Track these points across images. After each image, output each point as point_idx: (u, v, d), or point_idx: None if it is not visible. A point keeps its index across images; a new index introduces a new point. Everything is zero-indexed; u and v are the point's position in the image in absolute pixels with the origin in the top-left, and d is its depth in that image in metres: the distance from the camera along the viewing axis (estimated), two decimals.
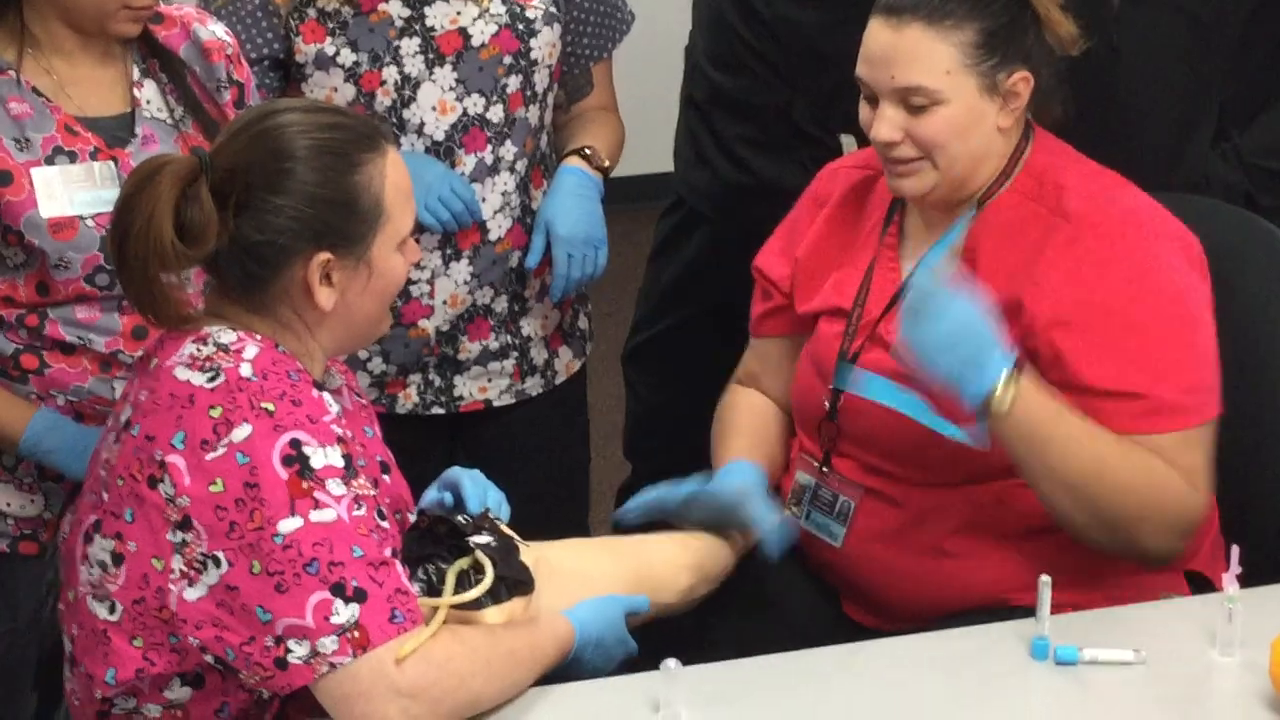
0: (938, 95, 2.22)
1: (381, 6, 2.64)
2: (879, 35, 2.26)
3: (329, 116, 2.02)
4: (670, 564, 2.24)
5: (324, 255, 1.92)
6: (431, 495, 2.19)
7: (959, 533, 2.29)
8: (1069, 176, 2.32)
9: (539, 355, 2.85)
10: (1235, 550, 2.04)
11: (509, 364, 2.82)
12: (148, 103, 2.38)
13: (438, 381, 2.79)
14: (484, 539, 1.98)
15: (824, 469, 2.40)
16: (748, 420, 2.54)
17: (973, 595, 2.24)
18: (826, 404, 2.38)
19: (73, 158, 2.31)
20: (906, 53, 2.23)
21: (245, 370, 1.85)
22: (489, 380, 2.81)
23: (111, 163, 2.31)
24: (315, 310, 1.95)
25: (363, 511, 1.84)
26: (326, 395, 1.93)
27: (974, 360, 2.09)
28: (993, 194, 2.32)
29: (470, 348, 2.78)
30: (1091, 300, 2.22)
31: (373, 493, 1.89)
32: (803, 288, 2.47)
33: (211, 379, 1.85)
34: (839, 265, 2.45)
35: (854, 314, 2.38)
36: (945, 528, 2.30)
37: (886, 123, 2.25)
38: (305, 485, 1.81)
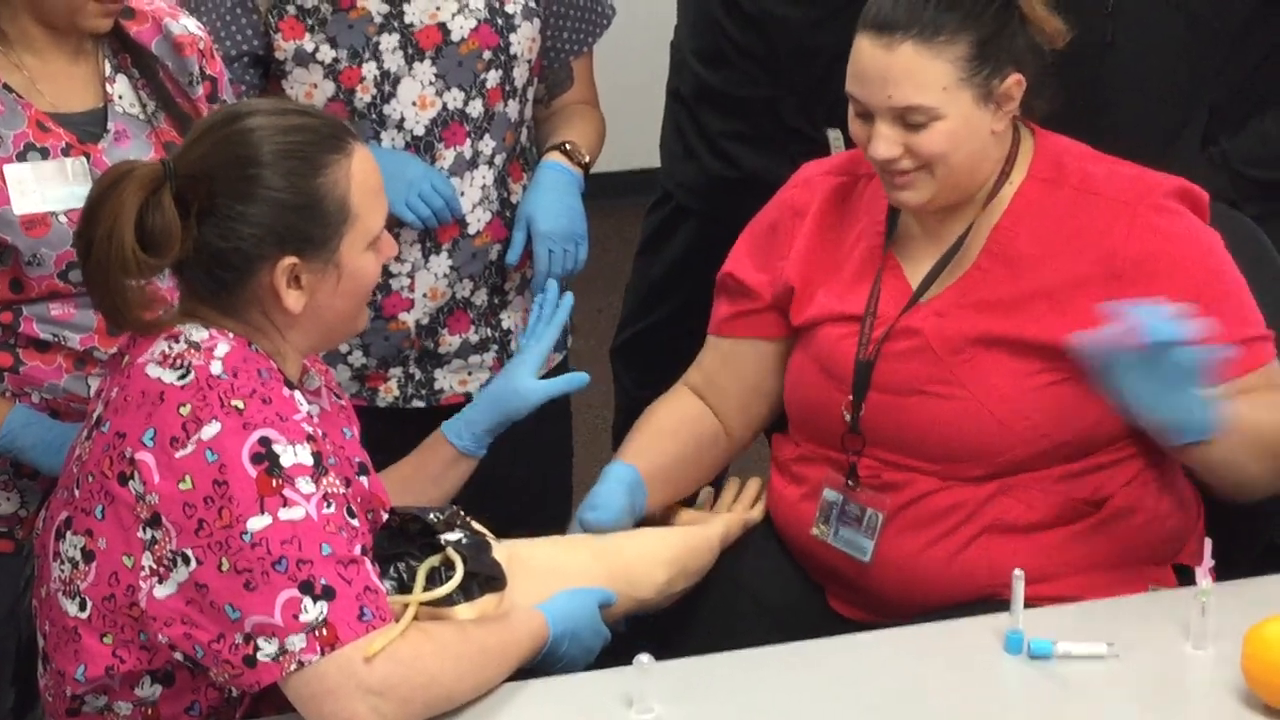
0: (936, 112, 2.23)
1: (360, 3, 2.65)
2: (871, 55, 2.25)
3: (294, 119, 2.02)
4: (648, 559, 2.26)
5: (290, 259, 1.93)
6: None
7: (971, 529, 2.30)
8: (1085, 159, 2.36)
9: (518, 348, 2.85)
10: (1208, 544, 2.06)
11: (489, 357, 2.84)
12: (120, 98, 2.39)
13: (418, 375, 2.81)
14: (455, 536, 1.99)
15: (850, 483, 2.38)
16: (655, 429, 2.55)
17: (974, 588, 2.24)
18: (847, 416, 2.37)
19: (45, 154, 2.31)
20: (901, 72, 2.23)
21: (216, 368, 1.86)
22: (469, 373, 2.83)
23: (84, 159, 2.32)
24: (285, 313, 1.96)
25: (332, 509, 1.86)
26: (298, 394, 1.94)
27: (1194, 411, 2.12)
28: (997, 191, 2.33)
29: (450, 341, 2.80)
30: (1169, 263, 2.26)
31: (343, 491, 1.90)
32: (797, 298, 2.47)
33: (182, 376, 1.86)
34: (832, 272, 2.45)
35: (866, 321, 2.37)
36: (961, 525, 2.30)
37: (884, 141, 2.25)
38: (274, 483, 1.82)
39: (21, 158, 2.30)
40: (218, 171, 1.93)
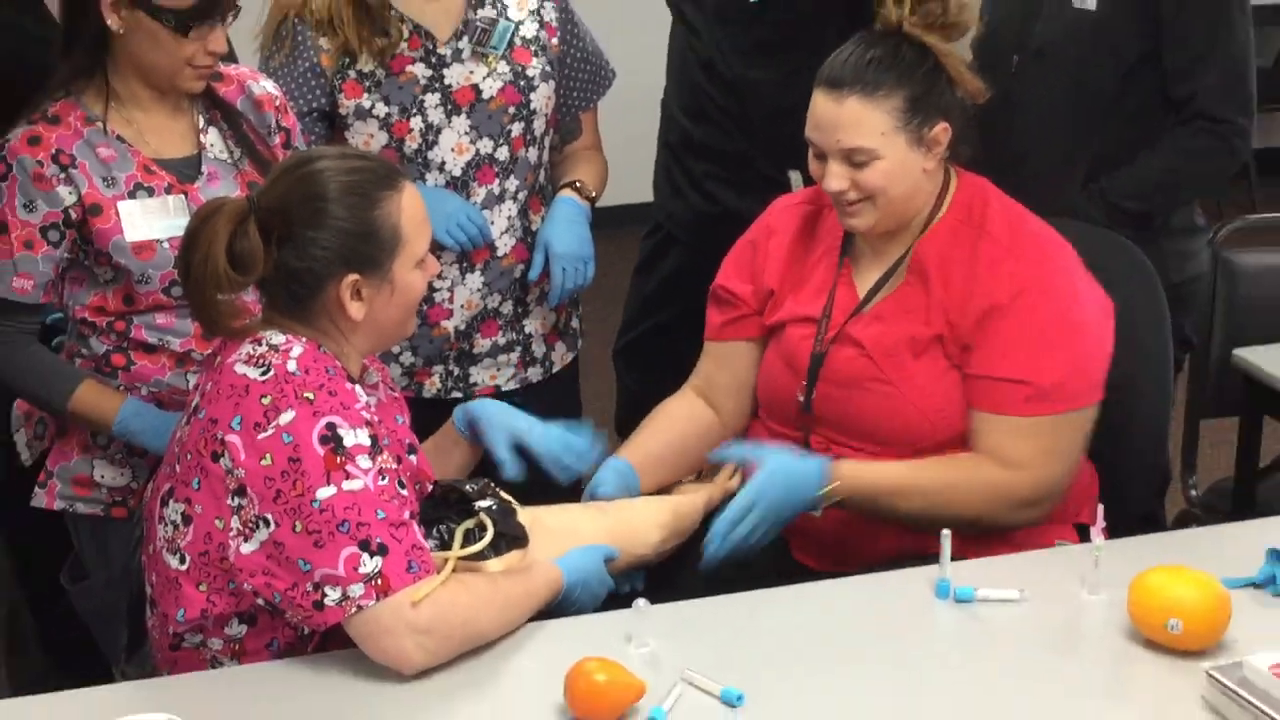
0: (876, 153, 2.25)
1: (409, 69, 2.66)
2: (824, 106, 2.28)
3: (354, 162, 2.02)
4: (645, 523, 2.26)
5: (353, 276, 1.94)
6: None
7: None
8: (990, 206, 2.34)
9: (539, 349, 2.87)
10: (1100, 508, 2.07)
11: (514, 356, 2.84)
12: (211, 146, 2.40)
13: (456, 371, 2.81)
14: (487, 503, 2.01)
15: (805, 448, 2.39)
16: (656, 427, 2.54)
17: (906, 544, 2.26)
18: (801, 398, 2.39)
19: (150, 192, 2.32)
20: (848, 120, 2.25)
21: (291, 366, 1.88)
22: (498, 369, 2.83)
23: (182, 196, 2.33)
24: (348, 320, 1.97)
25: (385, 482, 1.87)
26: (358, 388, 1.95)
27: (800, 503, 2.21)
28: (930, 222, 2.33)
29: (483, 343, 2.80)
30: (1010, 306, 2.25)
31: (394, 467, 1.91)
32: (775, 301, 2.48)
33: (264, 373, 1.88)
34: (800, 283, 2.46)
35: (822, 323, 2.39)
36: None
37: (835, 177, 2.28)
38: (338, 460, 1.84)
39: (131, 195, 2.31)
40: (293, 206, 1.94)
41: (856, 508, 2.27)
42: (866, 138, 2.25)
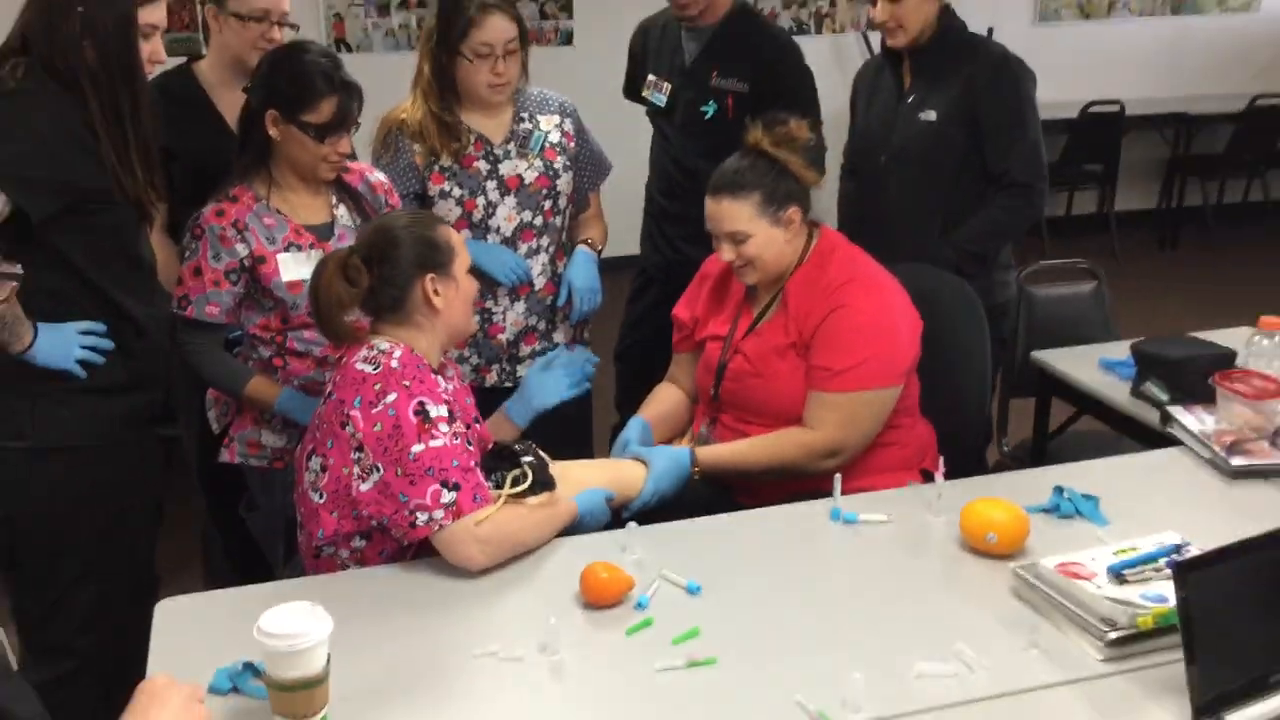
0: (746, 234, 2.25)
1: (474, 164, 2.65)
2: (710, 205, 2.30)
3: (410, 212, 2.11)
4: (633, 476, 2.23)
5: (430, 275, 1.94)
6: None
7: None
8: (836, 258, 2.33)
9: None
10: (941, 459, 2.07)
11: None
12: (340, 216, 2.39)
13: (508, 368, 2.79)
14: (529, 458, 2.00)
15: (712, 424, 2.40)
16: (657, 400, 2.54)
17: (808, 485, 2.21)
18: (712, 390, 2.39)
19: (299, 248, 2.32)
20: (725, 214, 2.26)
21: (394, 363, 1.88)
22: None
23: (321, 251, 2.32)
24: (433, 311, 1.96)
25: (458, 441, 1.87)
26: (439, 378, 1.94)
27: (679, 481, 2.21)
28: (793, 272, 2.32)
29: (525, 349, 2.78)
30: (830, 317, 2.25)
31: (464, 431, 1.92)
32: (700, 325, 2.48)
33: (375, 368, 1.88)
34: (717, 312, 2.46)
35: (727, 341, 2.38)
36: None
37: (725, 251, 2.30)
38: (426, 426, 1.84)
39: (286, 250, 2.31)
40: (379, 241, 1.97)
41: (719, 474, 2.27)
42: (738, 224, 2.25)
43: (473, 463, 1.89)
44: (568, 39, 6.19)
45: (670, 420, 2.49)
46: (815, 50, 3.31)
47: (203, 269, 2.29)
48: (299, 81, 2.22)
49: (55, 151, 1.98)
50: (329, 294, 1.92)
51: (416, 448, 1.83)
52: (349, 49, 5.83)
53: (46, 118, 1.98)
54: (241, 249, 2.28)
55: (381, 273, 1.94)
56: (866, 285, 2.29)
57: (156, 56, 2.11)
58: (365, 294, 1.94)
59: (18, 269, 1.85)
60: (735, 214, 2.25)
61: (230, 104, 2.58)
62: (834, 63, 6.44)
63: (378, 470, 1.84)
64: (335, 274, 1.92)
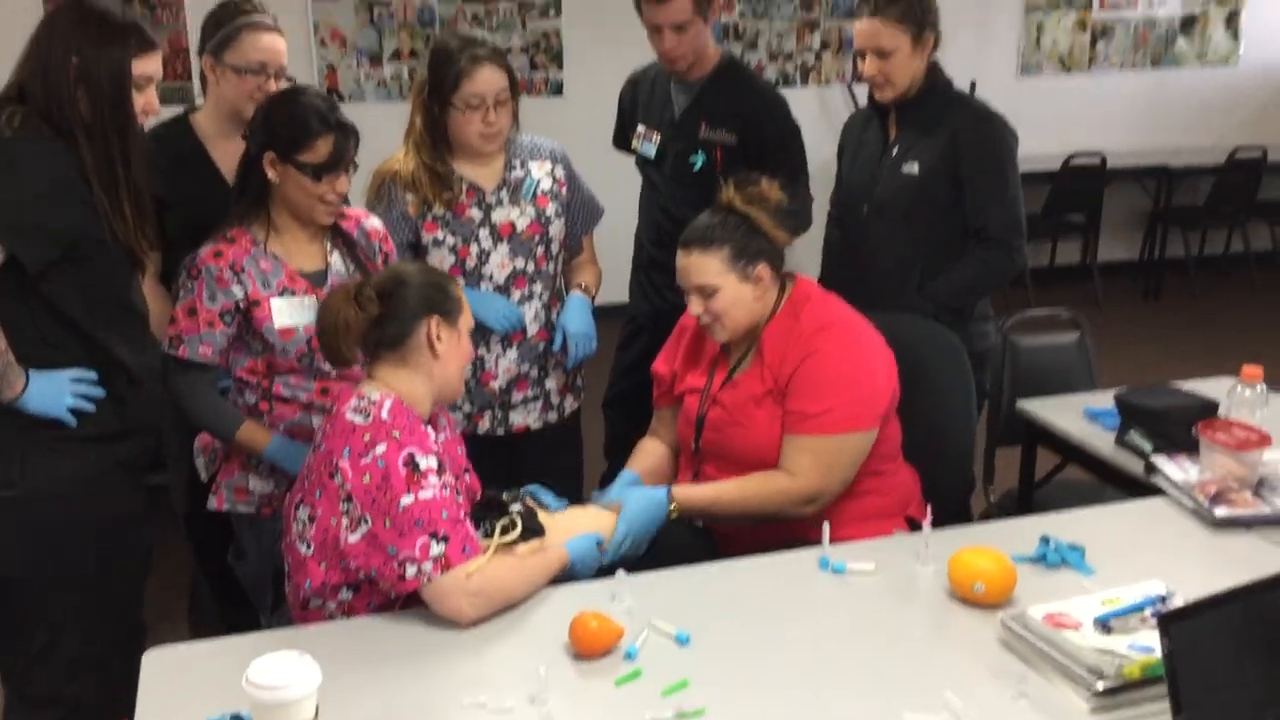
0: (714, 287, 2.28)
1: (467, 212, 2.67)
2: (681, 259, 2.32)
3: (429, 267, 2.15)
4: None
5: (436, 317, 1.95)
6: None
7: None
8: (809, 306, 2.34)
9: (556, 400, 2.85)
10: (928, 507, 2.07)
11: (538, 405, 2.82)
12: (334, 263, 2.40)
13: (500, 415, 2.78)
14: (517, 507, 2.00)
15: (696, 477, 2.40)
16: (641, 454, 2.53)
17: (796, 534, 2.22)
18: (694, 442, 2.40)
19: (293, 294, 2.33)
20: (695, 267, 2.29)
21: (384, 414, 1.88)
22: (528, 414, 2.81)
23: (314, 297, 2.33)
24: (432, 358, 1.96)
25: (447, 493, 1.87)
26: (430, 428, 1.93)
27: (653, 521, 2.20)
28: (766, 323, 2.34)
29: (517, 396, 2.78)
30: (804, 363, 2.26)
31: (453, 482, 1.91)
32: (678, 379, 2.49)
33: (365, 418, 1.88)
34: (694, 367, 2.47)
35: (705, 393, 2.39)
36: None
37: (694, 305, 2.32)
38: (415, 478, 1.83)
39: (280, 295, 2.31)
40: (389, 280, 1.98)
41: (696, 516, 2.27)
42: (706, 276, 2.27)
43: (462, 514, 1.88)
44: (557, 89, 6.25)
45: (656, 474, 2.49)
46: (801, 102, 3.35)
47: (197, 309, 2.29)
48: (295, 122, 2.24)
49: (51, 200, 1.99)
50: (337, 318, 1.93)
51: (405, 499, 1.82)
52: (341, 99, 5.87)
53: (42, 167, 1.99)
54: (237, 291, 2.29)
55: (390, 306, 1.96)
56: (840, 330, 2.30)
57: (151, 108, 2.13)
58: (371, 324, 1.95)
59: None
60: (704, 267, 2.27)
61: (225, 155, 2.60)
62: (820, 114, 6.51)
63: (366, 522, 1.83)
64: (346, 299, 1.94)
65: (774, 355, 2.30)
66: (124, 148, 2.06)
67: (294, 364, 2.34)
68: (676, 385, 2.49)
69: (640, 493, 2.25)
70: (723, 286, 2.27)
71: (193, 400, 2.34)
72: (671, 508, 2.24)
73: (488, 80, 2.56)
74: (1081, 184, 6.55)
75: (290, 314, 2.31)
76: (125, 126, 2.06)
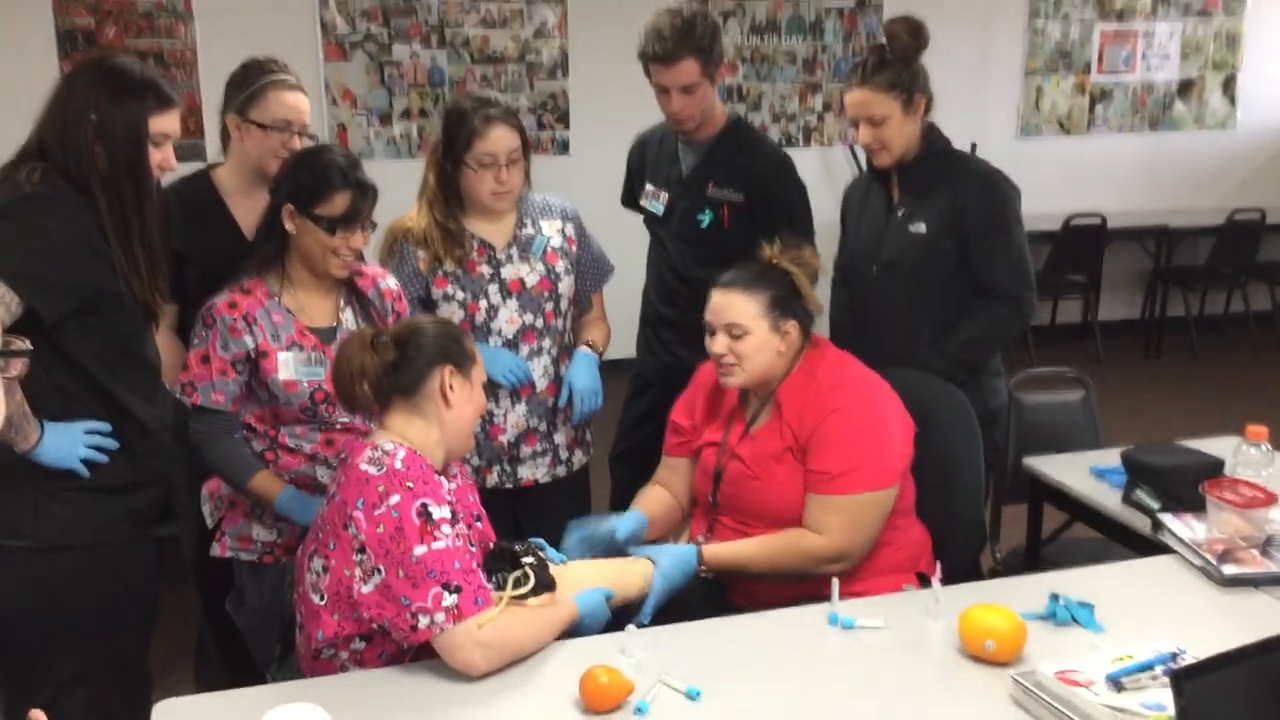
0: (745, 330, 2.30)
1: (478, 268, 2.69)
2: (716, 297, 2.35)
3: (445, 320, 2.17)
4: (636, 573, 2.21)
5: (449, 367, 1.96)
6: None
7: None
8: (825, 363, 2.36)
9: (564, 454, 2.85)
10: (938, 564, 2.07)
11: (547, 459, 2.82)
12: (345, 321, 2.43)
13: (509, 469, 2.78)
14: (529, 559, 1.99)
15: (711, 529, 2.40)
16: (646, 501, 2.52)
17: (806, 590, 2.22)
18: (711, 497, 2.41)
19: (301, 348, 2.35)
20: (732, 305, 2.32)
21: (397, 464, 1.88)
22: (536, 469, 2.81)
23: (323, 353, 2.36)
24: (445, 407, 1.98)
25: (460, 543, 1.87)
26: (442, 478, 1.94)
27: (685, 579, 2.21)
28: (783, 380, 2.35)
29: (526, 450, 2.78)
30: (824, 422, 2.27)
31: (466, 532, 1.91)
32: (697, 432, 2.49)
33: (379, 469, 1.88)
34: (711, 420, 2.48)
35: (723, 445, 2.40)
36: None
37: (718, 344, 2.33)
38: (428, 528, 1.84)
39: (288, 349, 2.34)
40: (405, 330, 2.01)
41: (724, 573, 2.27)
42: (741, 317, 2.30)
43: (475, 564, 1.88)
44: (564, 148, 6.33)
45: (660, 523, 2.49)
46: (804, 162, 3.38)
47: (210, 357, 2.33)
48: (316, 176, 2.31)
49: (68, 254, 2.02)
50: (352, 364, 1.95)
51: (419, 550, 1.82)
52: None
53: (61, 221, 2.02)
54: (249, 341, 2.32)
55: (405, 353, 1.97)
56: (858, 389, 2.32)
57: (167, 164, 2.16)
58: (385, 370, 1.97)
59: (27, 345, 1.86)
60: (741, 308, 2.30)
61: (245, 211, 2.64)
62: (823, 174, 6.57)
63: (379, 572, 1.83)
64: (362, 345, 1.96)
65: (792, 411, 2.32)
66: (140, 203, 2.09)
67: (298, 415, 2.36)
68: (695, 437, 2.50)
69: (672, 550, 2.26)
70: (753, 331, 2.29)
71: (211, 446, 2.37)
72: (701, 568, 2.24)
73: (500, 139, 2.60)
74: (1082, 244, 6.61)
75: (295, 368, 2.34)
76: (141, 182, 2.09)
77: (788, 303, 2.32)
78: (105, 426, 2.11)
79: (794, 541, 2.26)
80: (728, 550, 2.28)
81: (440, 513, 1.86)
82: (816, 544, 2.24)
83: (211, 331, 2.33)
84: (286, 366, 2.33)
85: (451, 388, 1.99)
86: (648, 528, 2.42)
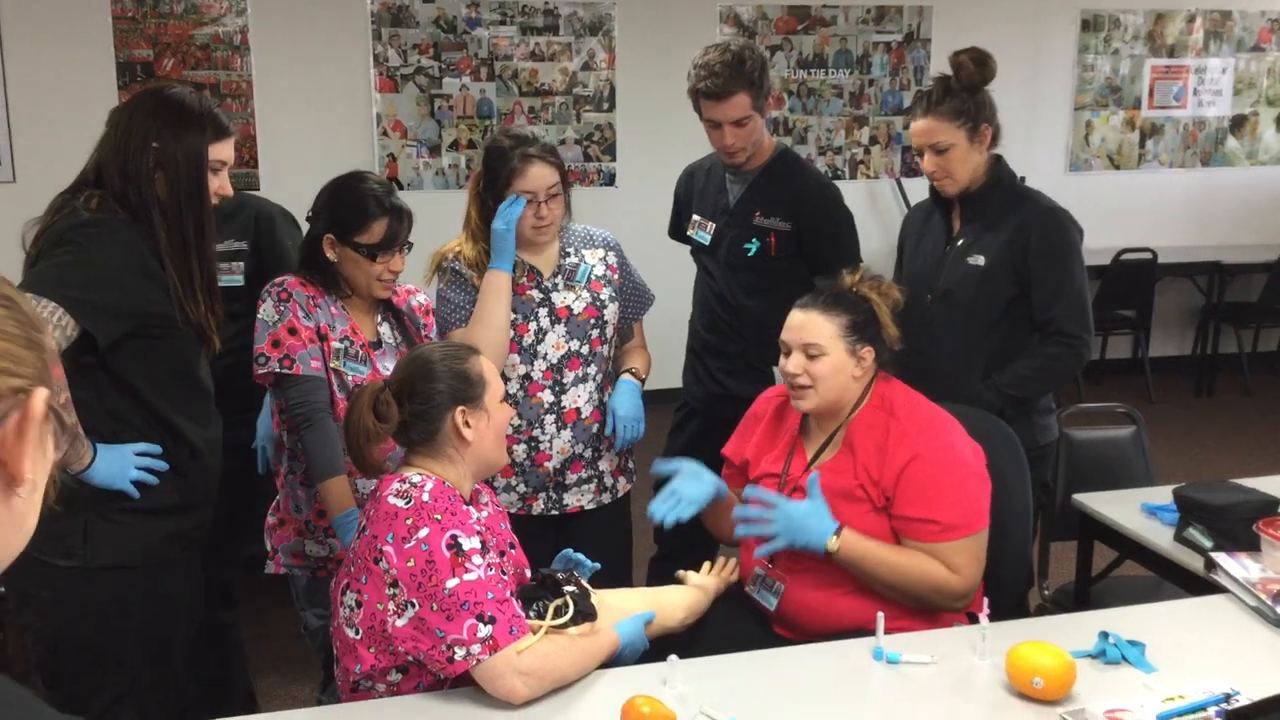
0: (823, 350, 2.26)
1: (528, 292, 2.70)
2: (796, 316, 2.32)
3: (445, 346, 2.09)
4: (674, 605, 2.21)
5: (461, 408, 1.96)
6: (558, 563, 2.20)
7: (839, 590, 2.25)
8: (898, 398, 2.33)
9: (609, 481, 2.84)
10: (985, 600, 2.03)
11: (592, 486, 2.81)
12: (385, 334, 2.53)
13: (554, 496, 2.78)
14: (570, 588, 1.99)
15: (772, 560, 2.34)
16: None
17: (846, 622, 2.20)
18: None
19: (351, 343, 2.48)
20: (812, 324, 2.28)
21: (425, 497, 1.87)
22: (582, 495, 2.80)
23: (368, 354, 2.49)
24: (464, 443, 1.97)
25: (492, 573, 1.86)
26: (471, 508, 1.94)
27: (808, 539, 2.17)
28: (854, 412, 2.32)
29: (572, 477, 2.78)
30: (909, 467, 2.22)
31: (498, 561, 1.91)
32: (753, 463, 2.47)
33: (407, 502, 1.87)
34: (770, 449, 2.45)
35: (783, 477, 2.37)
36: (833, 588, 2.25)
37: (793, 363, 2.29)
38: (459, 560, 1.83)
39: (340, 341, 2.47)
40: (413, 375, 2.00)
41: (843, 563, 2.20)
42: (819, 337, 2.27)
43: (508, 593, 1.88)
44: (610, 179, 6.36)
45: (715, 511, 2.43)
46: (850, 195, 3.37)
47: (298, 328, 2.41)
48: (353, 206, 2.40)
49: (124, 279, 2.05)
50: (359, 427, 1.97)
51: (451, 582, 1.81)
52: (401, 186, 6.01)
53: (117, 246, 2.05)
54: (321, 317, 2.44)
55: (414, 408, 1.98)
56: (937, 430, 2.28)
57: (223, 190, 2.20)
58: (397, 428, 1.98)
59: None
60: (820, 328, 2.28)
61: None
62: (869, 207, 6.56)
63: (413, 606, 1.82)
64: (366, 408, 1.97)
65: (866, 451, 2.28)
66: (199, 229, 2.13)
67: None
68: (750, 470, 2.47)
69: (808, 507, 2.20)
70: (830, 352, 2.28)
71: (310, 426, 2.39)
72: (832, 539, 2.18)
73: (539, 176, 2.62)
74: (1132, 279, 6.52)
75: (344, 361, 2.44)
76: (201, 208, 2.13)
77: (866, 329, 2.30)
78: (156, 448, 2.13)
79: (927, 571, 2.19)
80: (865, 544, 2.20)
81: (470, 543, 1.85)
82: (947, 578, 2.18)
83: (290, 305, 2.42)
84: (336, 356, 2.43)
85: (467, 424, 1.99)
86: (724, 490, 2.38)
